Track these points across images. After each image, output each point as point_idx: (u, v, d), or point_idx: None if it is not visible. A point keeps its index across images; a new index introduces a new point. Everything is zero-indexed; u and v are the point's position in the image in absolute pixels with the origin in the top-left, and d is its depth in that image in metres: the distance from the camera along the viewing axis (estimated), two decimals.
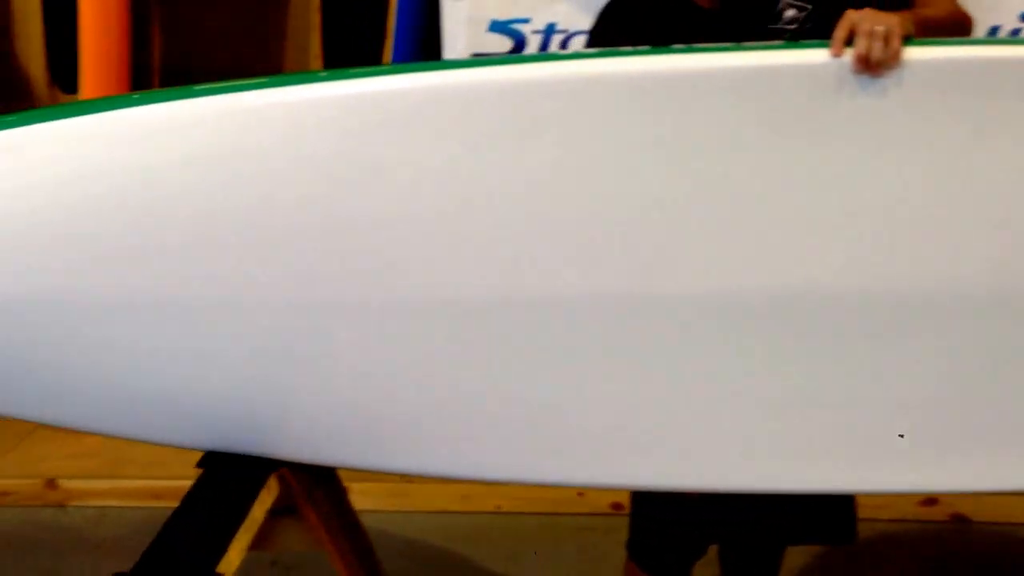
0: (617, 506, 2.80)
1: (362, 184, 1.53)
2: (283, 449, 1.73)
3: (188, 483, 2.91)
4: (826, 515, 1.87)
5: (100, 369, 1.67)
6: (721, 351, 1.59)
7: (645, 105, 1.51)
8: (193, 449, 1.78)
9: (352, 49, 2.84)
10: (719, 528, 1.93)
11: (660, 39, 1.60)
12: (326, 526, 1.81)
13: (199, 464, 1.75)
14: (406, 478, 2.54)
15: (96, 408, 1.72)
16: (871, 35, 1.45)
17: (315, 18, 2.87)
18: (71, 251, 1.58)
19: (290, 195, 1.56)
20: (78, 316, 1.61)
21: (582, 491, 2.76)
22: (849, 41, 1.47)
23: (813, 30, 1.64)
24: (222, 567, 1.47)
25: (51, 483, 2.96)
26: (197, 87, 1.59)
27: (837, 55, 1.47)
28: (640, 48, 1.52)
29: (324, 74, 1.58)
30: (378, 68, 1.63)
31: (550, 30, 2.48)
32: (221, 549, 1.50)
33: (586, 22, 2.41)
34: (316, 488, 1.81)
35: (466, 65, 1.55)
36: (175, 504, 2.90)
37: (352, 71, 1.54)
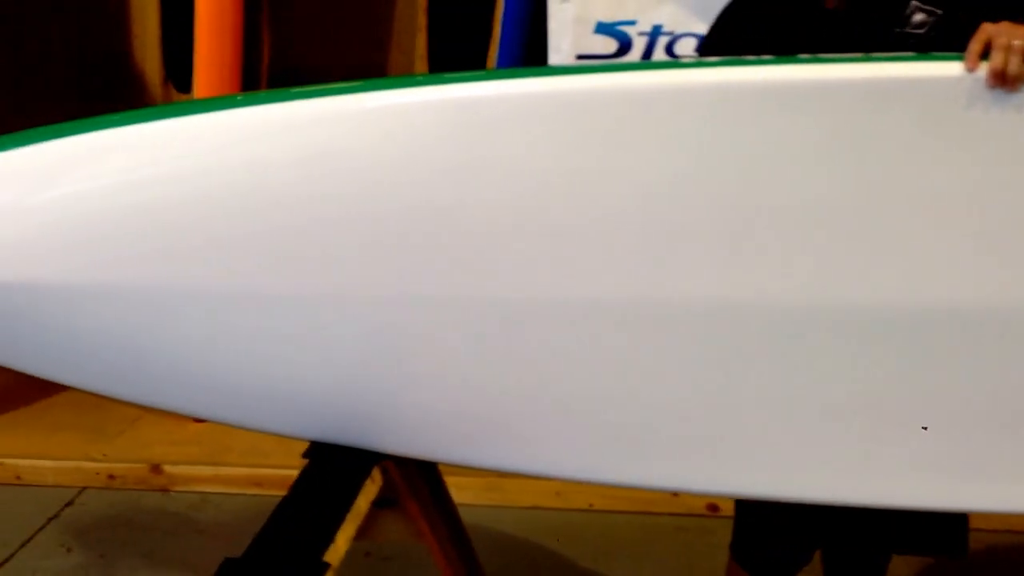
0: (713, 507, 2.79)
1: (471, 186, 1.56)
2: (388, 443, 1.76)
3: (289, 472, 2.97)
4: (937, 526, 1.84)
5: (214, 358, 1.71)
6: (837, 362, 1.58)
7: (769, 115, 1.50)
8: (300, 439, 1.82)
9: (457, 50, 2.86)
10: (825, 533, 1.92)
11: (783, 41, 1.59)
12: (427, 518, 1.84)
13: (305, 454, 1.80)
14: (500, 473, 2.56)
15: (208, 396, 1.77)
16: (1008, 49, 1.40)
17: (421, 19, 2.91)
18: (188, 244, 1.63)
19: (400, 195, 1.59)
20: (193, 307, 1.66)
21: (645, 488, 2.75)
22: (984, 54, 1.43)
23: (940, 38, 1.60)
24: (329, 556, 1.51)
25: (156, 468, 3.04)
26: (310, 88, 1.63)
27: (972, 69, 1.43)
28: (765, 58, 1.51)
29: (428, 77, 1.61)
30: (514, 71, 1.64)
31: (656, 32, 2.48)
32: (328, 538, 1.53)
33: (693, 24, 2.43)
34: (418, 480, 1.85)
35: (582, 71, 1.56)
36: (276, 492, 2.96)
37: (472, 74, 1.57)
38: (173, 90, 3.27)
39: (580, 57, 2.50)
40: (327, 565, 1.47)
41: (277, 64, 3.21)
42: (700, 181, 1.52)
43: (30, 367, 1.74)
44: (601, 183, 1.54)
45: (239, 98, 1.65)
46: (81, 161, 1.64)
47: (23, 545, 2.77)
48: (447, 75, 1.56)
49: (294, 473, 2.97)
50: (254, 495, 3.02)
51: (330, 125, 1.61)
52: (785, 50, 1.59)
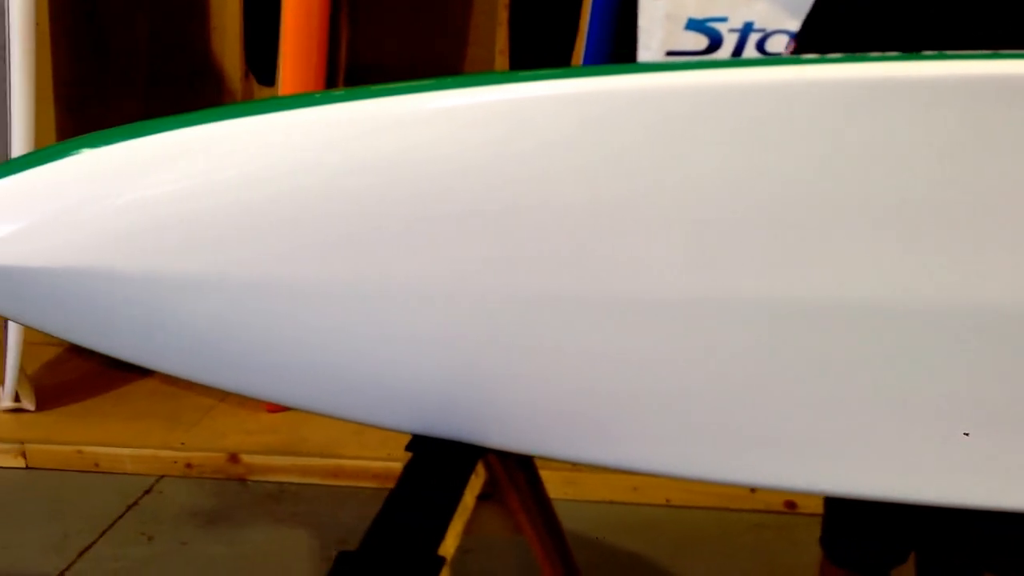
0: (791, 504, 2.79)
1: (595, 182, 1.56)
2: (492, 437, 1.76)
3: (364, 463, 3.04)
4: None
5: (322, 351, 1.72)
6: (945, 362, 1.57)
7: (890, 112, 1.49)
8: (404, 432, 1.83)
9: (539, 45, 2.86)
10: (916, 536, 1.91)
11: (887, 36, 1.57)
12: (526, 512, 1.85)
13: (408, 447, 1.80)
14: (577, 467, 2.57)
15: (314, 387, 1.78)
16: None
17: (502, 14, 2.91)
18: (291, 238, 1.64)
19: (519, 191, 1.59)
20: (303, 300, 1.67)
21: (754, 487, 2.75)
22: None
23: None
24: (442, 550, 1.52)
25: (233, 457, 3.07)
26: (424, 82, 1.63)
27: None
28: (888, 54, 1.50)
29: (533, 74, 1.61)
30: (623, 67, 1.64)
31: (747, 29, 2.47)
32: (441, 532, 1.54)
33: (784, 21, 2.41)
34: (517, 474, 1.85)
35: (712, 67, 1.56)
36: (352, 483, 3.03)
37: (581, 69, 1.57)
38: (254, 84, 3.30)
39: (670, 54, 2.49)
40: (443, 559, 1.48)
41: (354, 60, 3.22)
42: (834, 177, 1.51)
43: (144, 358, 1.76)
44: (735, 180, 1.54)
45: (368, 90, 1.65)
46: (187, 153, 1.65)
47: (104, 533, 2.81)
48: (573, 69, 1.57)
49: (370, 464, 3.05)
50: (331, 485, 3.04)
51: (450, 119, 1.62)
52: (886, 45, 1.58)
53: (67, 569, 2.63)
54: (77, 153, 1.62)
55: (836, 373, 1.61)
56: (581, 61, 2.61)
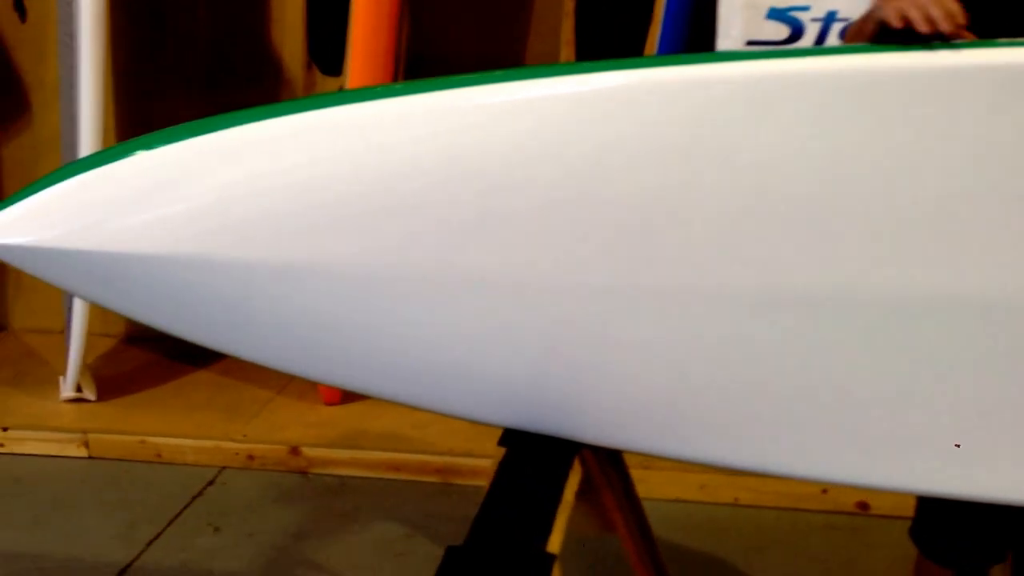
0: (863, 505, 2.75)
1: (690, 172, 1.54)
2: (588, 432, 1.74)
3: (426, 458, 3.01)
4: None
5: (417, 342, 1.70)
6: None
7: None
8: (496, 426, 1.81)
9: (605, 36, 2.83)
10: (1011, 535, 1.88)
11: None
12: (620, 510, 1.82)
13: (501, 442, 1.78)
14: (645, 464, 2.53)
15: (407, 381, 1.76)
16: None
17: (568, 4, 2.88)
18: (395, 229, 1.62)
19: (618, 179, 1.57)
20: (397, 291, 1.66)
21: (826, 487, 2.71)
22: None
23: None
24: (550, 547, 1.49)
25: (295, 450, 3.06)
26: (504, 72, 1.61)
27: None
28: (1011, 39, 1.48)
29: (620, 62, 1.59)
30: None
31: (830, 18, 2.43)
32: (547, 528, 1.51)
33: None
34: (610, 470, 1.83)
35: (808, 54, 1.54)
36: (414, 476, 3.01)
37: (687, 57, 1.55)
38: (318, 74, 3.27)
39: (750, 43, 2.45)
40: (553, 556, 1.45)
41: (415, 50, 3.19)
42: (927, 168, 1.48)
43: (237, 348, 1.74)
44: (839, 169, 1.51)
45: (455, 79, 1.63)
46: (292, 139, 1.62)
47: (171, 523, 2.80)
48: (676, 57, 1.55)
49: (432, 459, 3.02)
50: (392, 479, 3.03)
51: (541, 109, 1.59)
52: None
53: (136, 559, 2.62)
54: (177, 141, 1.60)
55: (951, 371, 1.59)
56: (656, 51, 2.57)
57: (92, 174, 1.61)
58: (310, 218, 1.63)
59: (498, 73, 1.63)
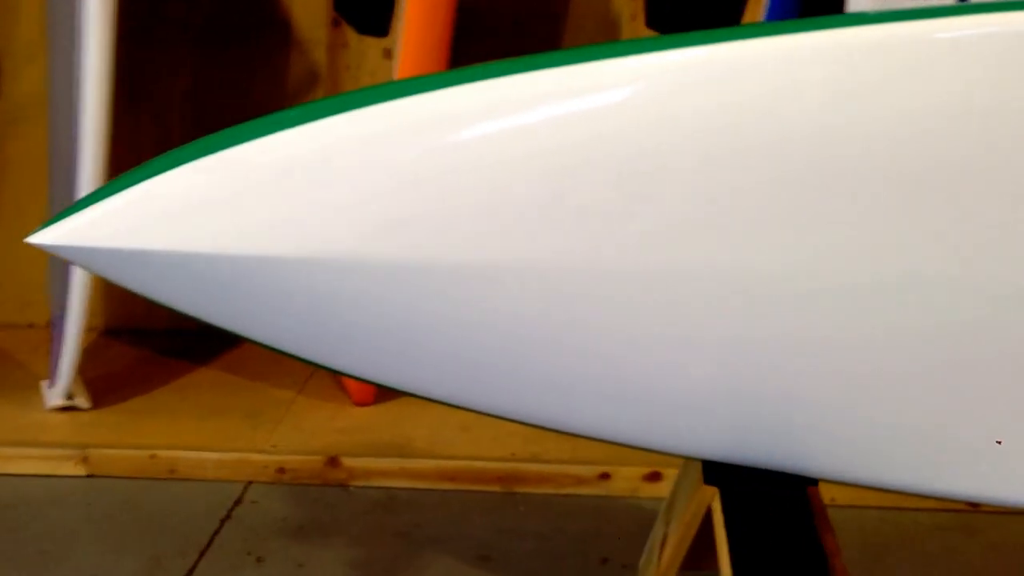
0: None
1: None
2: (821, 465, 1.46)
3: (483, 464, 2.69)
4: None
5: (587, 359, 1.42)
6: None
7: None
8: (694, 458, 1.51)
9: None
10: None
11: None
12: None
13: (708, 480, 1.48)
14: None
15: (573, 402, 1.46)
16: None
17: None
18: (544, 218, 1.34)
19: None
20: (548, 288, 1.38)
21: None
22: None
23: None
24: None
25: (333, 461, 2.70)
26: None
27: None
28: None
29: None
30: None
31: None
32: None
33: None
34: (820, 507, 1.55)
35: None
36: (470, 486, 2.68)
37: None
38: (348, 33, 2.88)
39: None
40: None
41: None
42: None
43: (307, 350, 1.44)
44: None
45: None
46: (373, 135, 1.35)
47: (203, 554, 2.43)
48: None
49: (490, 465, 2.69)
50: (447, 491, 2.70)
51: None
52: None
53: None
54: (245, 143, 1.32)
55: None
56: (764, 16, 2.28)
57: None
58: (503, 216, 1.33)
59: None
